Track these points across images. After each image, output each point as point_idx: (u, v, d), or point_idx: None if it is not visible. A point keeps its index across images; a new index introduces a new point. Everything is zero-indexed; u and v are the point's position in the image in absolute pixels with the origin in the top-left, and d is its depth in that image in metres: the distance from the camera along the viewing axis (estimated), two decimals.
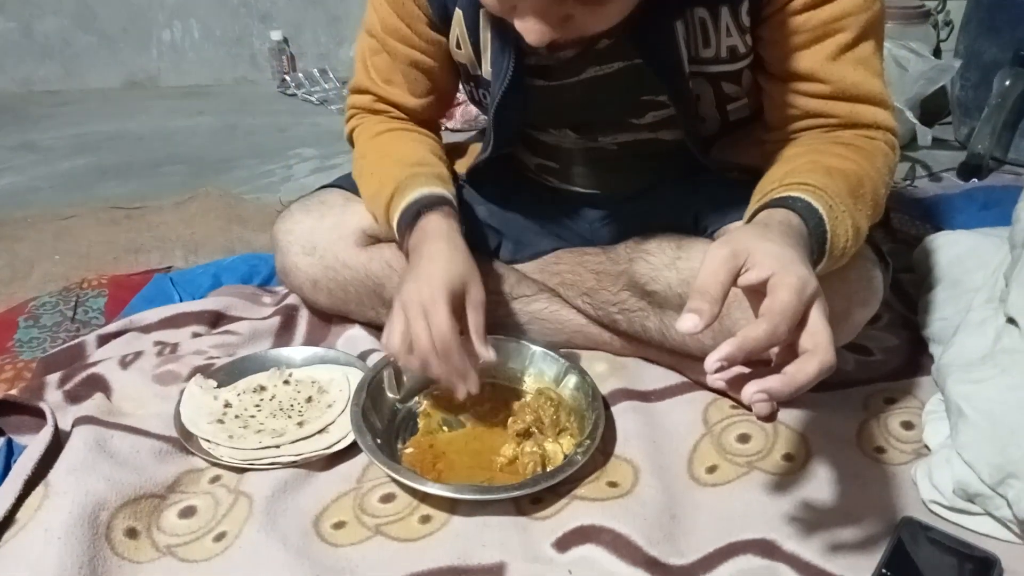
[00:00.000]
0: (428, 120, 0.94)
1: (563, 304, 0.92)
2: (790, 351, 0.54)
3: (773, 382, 0.52)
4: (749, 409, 0.54)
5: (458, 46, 0.83)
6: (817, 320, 0.53)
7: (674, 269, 0.80)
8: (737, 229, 0.62)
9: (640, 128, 0.86)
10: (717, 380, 0.53)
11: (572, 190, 0.96)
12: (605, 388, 0.85)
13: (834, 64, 0.73)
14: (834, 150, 0.73)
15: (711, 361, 0.51)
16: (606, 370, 0.89)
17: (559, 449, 0.75)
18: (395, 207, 0.81)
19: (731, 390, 0.54)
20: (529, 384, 0.86)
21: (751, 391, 0.52)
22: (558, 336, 0.92)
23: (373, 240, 0.92)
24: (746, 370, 0.54)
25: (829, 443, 0.77)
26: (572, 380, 0.83)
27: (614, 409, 0.82)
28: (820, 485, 0.72)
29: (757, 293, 0.54)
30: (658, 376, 0.88)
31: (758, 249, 0.55)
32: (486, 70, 0.82)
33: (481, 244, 0.92)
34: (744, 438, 0.78)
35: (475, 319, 0.74)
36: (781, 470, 0.74)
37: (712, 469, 0.75)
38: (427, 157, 0.87)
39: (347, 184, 0.94)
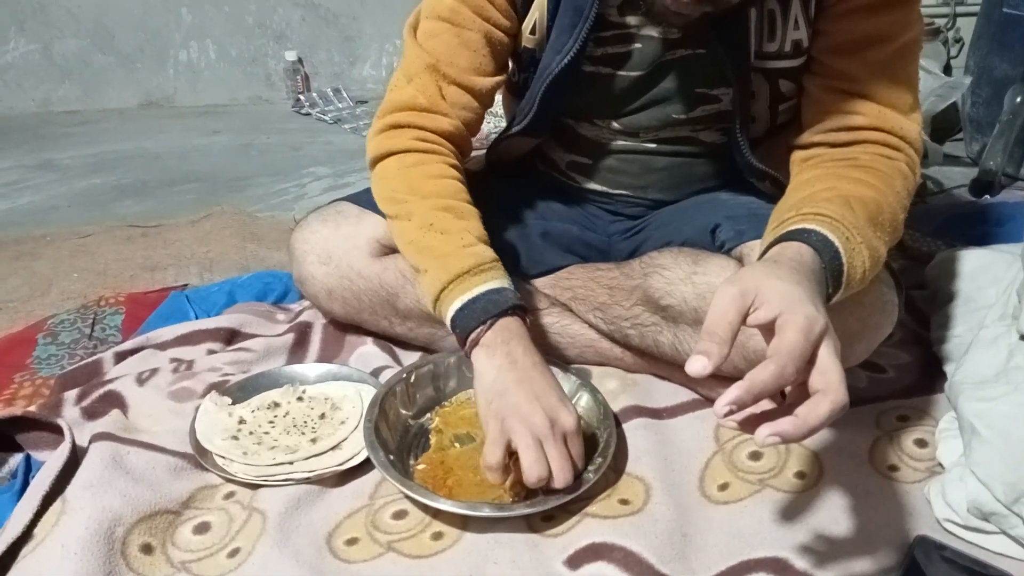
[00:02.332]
0: (477, 119, 0.89)
1: (574, 319, 0.92)
2: (801, 389, 0.54)
3: (786, 425, 0.51)
4: None
5: (532, 31, 0.84)
6: (827, 359, 0.53)
7: (690, 283, 0.80)
8: (747, 267, 0.62)
9: (684, 125, 0.87)
10: (727, 422, 0.52)
11: (599, 189, 0.96)
12: (616, 405, 0.85)
13: (874, 66, 0.75)
14: (853, 174, 0.73)
15: (720, 405, 0.51)
16: (617, 387, 0.89)
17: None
18: (471, 285, 0.76)
19: (743, 430, 0.54)
20: None
21: (764, 434, 0.51)
22: (569, 351, 0.92)
23: (387, 250, 0.92)
24: (757, 410, 0.54)
25: (842, 461, 0.76)
26: (584, 398, 0.83)
27: (626, 426, 0.82)
28: (833, 503, 0.72)
29: (769, 330, 0.54)
30: (669, 393, 0.88)
31: (766, 287, 0.55)
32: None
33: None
34: (756, 456, 0.78)
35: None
36: (793, 488, 0.74)
37: (724, 487, 0.75)
38: (484, 233, 0.83)
39: (360, 201, 0.95)
